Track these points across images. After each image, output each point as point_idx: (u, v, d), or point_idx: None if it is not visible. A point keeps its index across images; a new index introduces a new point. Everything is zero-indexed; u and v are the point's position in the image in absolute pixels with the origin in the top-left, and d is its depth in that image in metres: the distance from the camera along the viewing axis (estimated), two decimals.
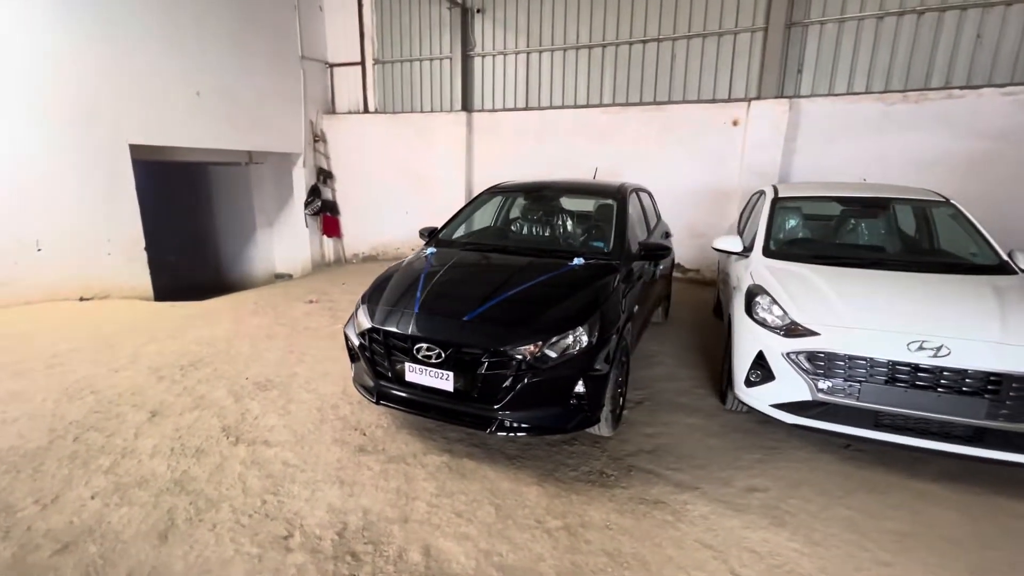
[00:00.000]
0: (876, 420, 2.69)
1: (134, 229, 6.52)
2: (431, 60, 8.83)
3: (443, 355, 2.68)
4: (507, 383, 2.62)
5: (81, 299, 6.06)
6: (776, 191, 4.18)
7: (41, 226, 5.69)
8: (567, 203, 4.35)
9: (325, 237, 9.55)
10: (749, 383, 3.08)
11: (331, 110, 9.56)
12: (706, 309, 6.09)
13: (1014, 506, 2.55)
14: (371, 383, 2.99)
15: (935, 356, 2.53)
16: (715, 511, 2.49)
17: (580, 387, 2.68)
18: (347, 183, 9.45)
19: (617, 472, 2.80)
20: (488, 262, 3.52)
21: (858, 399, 2.68)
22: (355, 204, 9.47)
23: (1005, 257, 3.23)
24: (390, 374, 2.88)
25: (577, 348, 2.68)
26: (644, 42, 7.45)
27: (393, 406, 2.92)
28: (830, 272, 3.23)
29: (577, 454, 2.97)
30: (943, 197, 3.80)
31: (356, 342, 3.04)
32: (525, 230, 4.12)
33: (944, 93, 6.03)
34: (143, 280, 6.64)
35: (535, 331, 2.69)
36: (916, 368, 2.57)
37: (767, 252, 3.64)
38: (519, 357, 2.61)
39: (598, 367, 2.73)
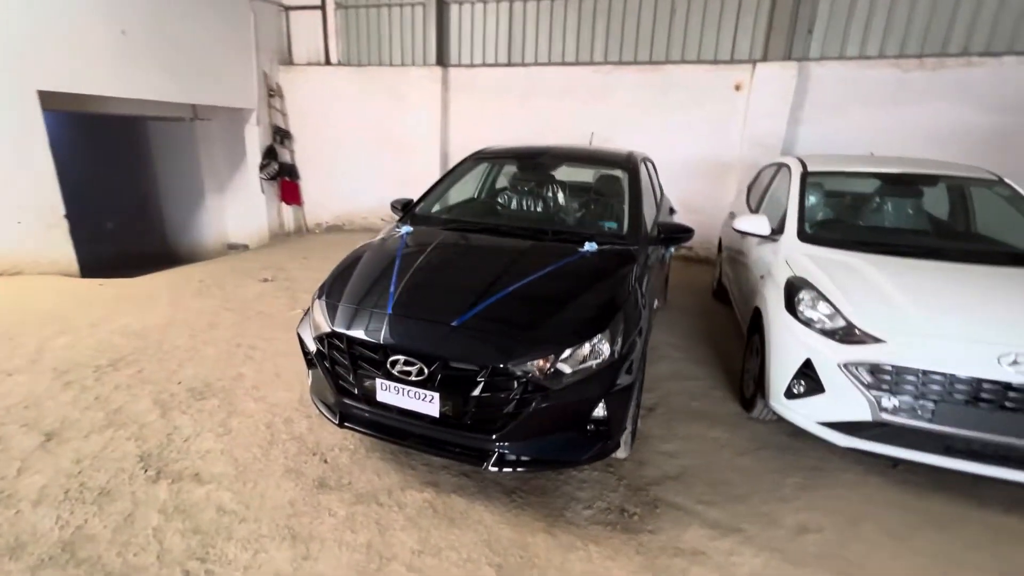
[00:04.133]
0: (946, 445, 2.26)
1: (50, 192, 5.51)
2: (402, 6, 7.81)
3: (426, 371, 2.07)
4: (510, 407, 2.04)
5: None
6: (804, 164, 3.65)
7: None
8: (568, 174, 3.71)
9: (284, 204, 8.61)
10: (791, 394, 2.59)
11: (288, 61, 8.45)
12: (704, 291, 5.64)
13: None
14: (332, 399, 2.36)
15: None
16: (768, 565, 2.02)
17: (601, 410, 2.13)
18: (308, 144, 8.46)
19: (640, 509, 2.29)
20: (479, 246, 2.87)
21: (931, 421, 2.23)
22: (317, 168, 8.52)
23: None
24: (357, 391, 2.26)
25: (596, 361, 2.12)
26: None
27: (361, 430, 2.31)
28: (885, 263, 2.73)
29: (589, 483, 2.45)
30: (995, 175, 3.34)
31: (313, 348, 2.39)
32: (520, 205, 3.46)
33: (963, 60, 5.57)
34: (65, 252, 5.67)
35: (545, 341, 2.10)
36: (1007, 387, 2.12)
37: (803, 236, 3.12)
38: (526, 375, 2.02)
39: (621, 382, 2.18)
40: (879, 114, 5.89)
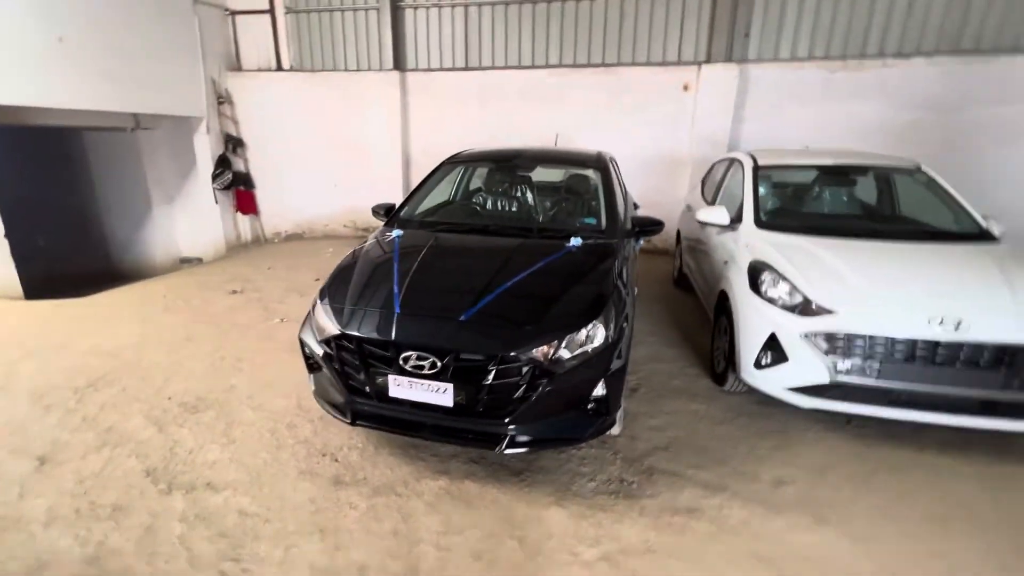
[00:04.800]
0: (890, 398, 2.62)
1: None
2: (355, 10, 7.78)
3: (439, 364, 2.21)
4: (518, 392, 2.21)
5: None
6: (755, 159, 4.01)
7: None
8: (541, 174, 3.91)
9: (240, 214, 8.36)
10: (759, 366, 2.90)
11: (236, 66, 8.22)
12: (666, 280, 6.00)
13: (1018, 472, 2.59)
14: (342, 399, 2.45)
15: (955, 331, 2.46)
16: (754, 514, 2.29)
17: (600, 389, 2.33)
18: (262, 152, 8.25)
19: (638, 477, 2.52)
20: (472, 247, 3.02)
21: (877, 378, 2.58)
22: (273, 176, 8.33)
23: (984, 225, 3.27)
24: (368, 389, 2.36)
25: (592, 345, 2.32)
26: None
27: (374, 426, 2.41)
28: (830, 244, 3.09)
29: (589, 459, 2.65)
30: (915, 163, 3.81)
31: (319, 351, 2.47)
32: (502, 206, 3.63)
33: (880, 61, 6.20)
34: (7, 274, 5.35)
35: (546, 330, 2.28)
36: (936, 344, 2.49)
37: (759, 224, 3.46)
38: (532, 361, 2.20)
39: (615, 364, 2.40)
40: (811, 111, 6.45)
